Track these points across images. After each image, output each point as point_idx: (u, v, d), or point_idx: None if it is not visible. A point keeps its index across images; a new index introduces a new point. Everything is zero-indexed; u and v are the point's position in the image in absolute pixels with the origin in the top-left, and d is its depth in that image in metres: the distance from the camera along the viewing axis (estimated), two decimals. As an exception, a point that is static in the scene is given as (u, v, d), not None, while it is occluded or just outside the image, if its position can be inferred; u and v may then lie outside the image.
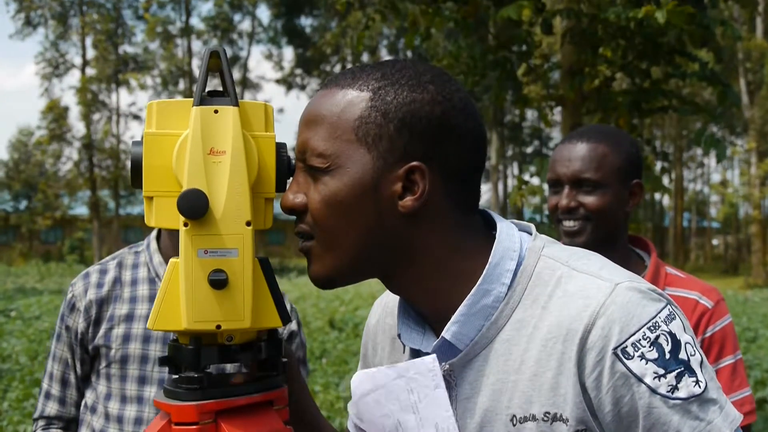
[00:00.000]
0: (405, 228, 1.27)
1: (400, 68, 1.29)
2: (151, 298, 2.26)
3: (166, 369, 2.11)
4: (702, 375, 1.19)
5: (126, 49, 39.88)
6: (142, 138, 1.25)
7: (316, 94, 1.33)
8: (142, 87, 39.71)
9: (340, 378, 9.62)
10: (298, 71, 43.60)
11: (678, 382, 1.17)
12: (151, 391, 2.20)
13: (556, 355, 1.21)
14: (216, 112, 1.23)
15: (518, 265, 1.29)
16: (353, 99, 1.27)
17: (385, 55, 41.48)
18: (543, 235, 1.37)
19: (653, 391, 1.17)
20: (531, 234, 1.35)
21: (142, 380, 2.21)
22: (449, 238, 1.29)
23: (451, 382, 1.29)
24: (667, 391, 1.17)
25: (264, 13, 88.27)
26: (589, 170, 2.35)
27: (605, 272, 1.25)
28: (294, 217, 1.31)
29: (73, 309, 2.31)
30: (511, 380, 1.25)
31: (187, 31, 39.94)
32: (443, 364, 1.29)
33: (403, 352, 1.40)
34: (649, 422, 1.17)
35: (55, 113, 38.43)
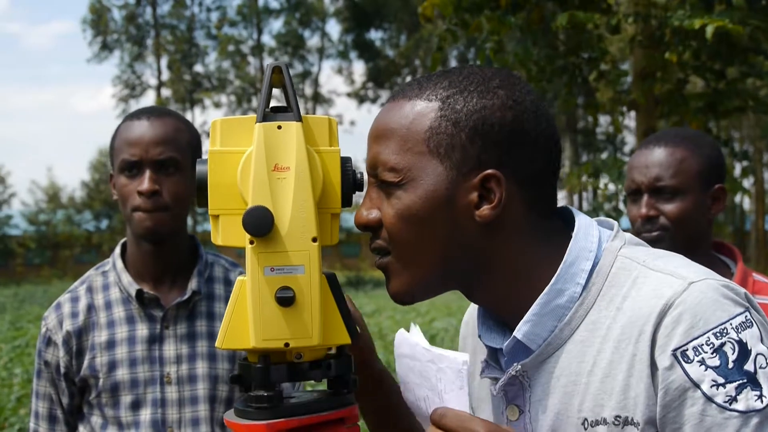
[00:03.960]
0: (482, 238, 1.25)
1: (468, 75, 1.27)
2: (129, 319, 2.18)
3: (158, 389, 2.12)
4: None
5: (199, 68, 40.64)
6: (206, 156, 1.24)
7: (384, 107, 1.32)
8: (217, 105, 40.40)
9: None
10: (369, 85, 43.80)
11: (738, 393, 1.12)
12: (147, 414, 2.13)
13: (628, 357, 1.18)
14: (279, 128, 1.21)
15: (594, 265, 1.26)
16: (422, 110, 1.25)
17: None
18: (626, 233, 1.33)
19: (709, 399, 1.12)
20: (612, 231, 1.32)
21: (136, 405, 2.13)
22: (527, 246, 1.27)
23: (525, 383, 1.28)
24: (724, 402, 1.12)
25: (334, 28, 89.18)
26: (667, 176, 2.28)
27: (682, 270, 1.21)
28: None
29: (50, 343, 2.21)
30: (582, 382, 1.22)
31: (258, 48, 40.50)
32: (515, 365, 1.27)
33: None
34: (699, 430, 1.12)
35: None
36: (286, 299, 1.18)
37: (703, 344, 1.13)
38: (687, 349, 1.13)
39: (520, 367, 1.27)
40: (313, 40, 44.48)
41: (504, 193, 1.23)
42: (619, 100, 6.32)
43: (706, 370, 1.12)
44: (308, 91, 42.21)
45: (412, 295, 1.29)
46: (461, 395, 1.19)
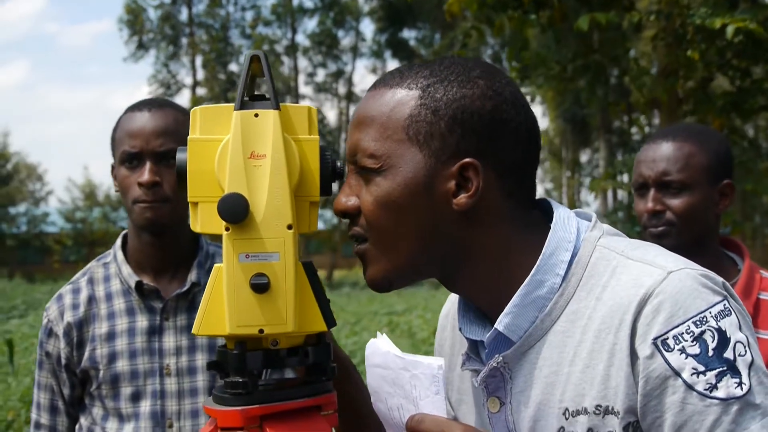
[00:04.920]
0: (460, 227, 1.25)
1: (449, 65, 1.28)
2: (129, 311, 2.19)
3: (157, 381, 2.12)
4: (748, 377, 1.13)
5: (234, 68, 40.84)
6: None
7: (366, 95, 1.33)
8: (251, 104, 40.44)
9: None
10: (403, 84, 43.65)
11: (718, 381, 1.12)
12: (146, 406, 2.13)
13: (608, 346, 1.18)
14: (256, 116, 1.22)
15: (573, 255, 1.27)
16: (402, 98, 1.26)
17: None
18: (604, 225, 1.33)
19: (689, 386, 1.12)
20: (591, 222, 1.32)
21: (136, 396, 2.13)
22: (505, 235, 1.27)
23: (506, 375, 1.28)
24: (705, 389, 1.12)
25: (368, 28, 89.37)
26: (675, 171, 2.26)
27: (660, 259, 1.21)
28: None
29: (51, 334, 2.21)
30: (564, 372, 1.23)
31: (292, 48, 40.67)
32: (497, 356, 1.27)
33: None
34: (680, 418, 1.12)
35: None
36: (260, 286, 1.19)
37: (683, 332, 1.13)
38: (667, 338, 1.13)
39: (501, 358, 1.27)
40: (346, 40, 44.60)
41: (481, 182, 1.23)
42: (642, 99, 6.27)
43: (686, 358, 1.12)
44: (342, 90, 42.34)
45: (390, 282, 1.29)
46: (437, 401, 1.19)
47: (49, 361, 2.21)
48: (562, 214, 1.31)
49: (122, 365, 2.14)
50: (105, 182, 60.47)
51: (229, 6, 40.52)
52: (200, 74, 40.23)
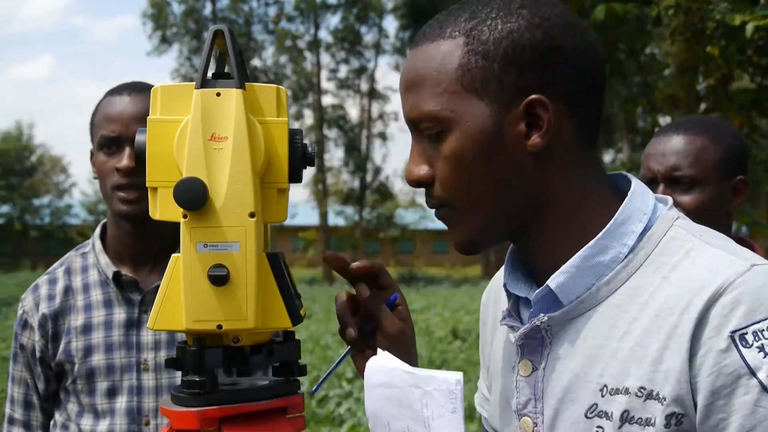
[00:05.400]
0: (536, 171, 1.18)
1: (487, 2, 1.20)
2: (107, 303, 2.08)
3: (134, 376, 2.02)
4: None
5: (257, 63, 40.82)
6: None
7: (408, 55, 1.25)
8: (273, 100, 40.44)
9: (458, 388, 9.46)
10: (425, 81, 43.48)
11: None
12: (122, 402, 2.03)
13: (667, 327, 1.09)
14: (218, 95, 1.14)
15: (646, 229, 1.19)
16: (448, 49, 1.18)
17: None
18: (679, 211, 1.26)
19: (765, 388, 1.03)
20: (667, 205, 1.25)
21: (112, 392, 2.03)
22: (578, 184, 1.20)
23: (546, 339, 1.20)
24: None
25: (391, 24, 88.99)
26: (685, 165, 2.15)
27: (743, 252, 1.14)
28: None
29: (26, 326, 2.10)
30: (611, 347, 1.14)
31: (315, 44, 40.58)
32: (542, 315, 1.19)
33: (502, 321, 1.30)
34: (750, 422, 1.03)
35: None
36: (219, 278, 1.11)
37: (764, 329, 1.05)
38: (746, 333, 1.05)
39: (546, 319, 1.19)
40: (369, 36, 44.48)
41: (552, 116, 1.15)
42: (660, 96, 6.15)
43: (765, 357, 1.04)
44: (364, 86, 42.20)
45: (476, 243, 1.23)
46: (454, 419, 1.10)
47: (24, 354, 2.11)
48: (640, 185, 1.24)
49: (98, 359, 2.04)
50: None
51: (252, 1, 40.61)
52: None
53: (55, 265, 2.19)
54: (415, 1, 40.39)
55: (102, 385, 2.03)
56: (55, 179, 53.71)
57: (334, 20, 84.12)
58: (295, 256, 54.61)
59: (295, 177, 1.19)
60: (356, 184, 41.52)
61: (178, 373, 2.02)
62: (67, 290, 2.12)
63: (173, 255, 1.16)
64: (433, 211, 1.25)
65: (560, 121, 1.17)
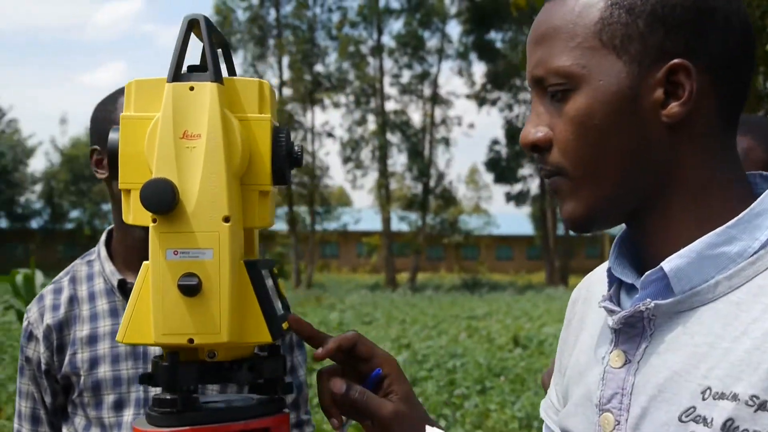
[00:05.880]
0: (668, 144, 1.06)
1: None
2: (113, 312, 1.99)
3: (142, 389, 1.90)
4: None
5: (320, 68, 41.00)
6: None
7: (544, 7, 1.13)
8: (336, 105, 40.64)
9: (516, 397, 9.32)
10: (489, 86, 43.27)
11: None
12: (130, 415, 1.93)
13: None
14: (192, 89, 1.05)
15: None
16: (589, 1, 1.06)
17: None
18: None
19: None
20: None
21: (119, 404, 1.93)
22: (712, 158, 1.07)
23: (647, 329, 1.07)
24: None
25: (454, 29, 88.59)
26: None
27: None
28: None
29: (31, 337, 2.02)
30: (722, 347, 1.00)
31: (378, 49, 40.57)
32: (648, 300, 1.06)
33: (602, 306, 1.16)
34: None
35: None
36: (189, 288, 1.02)
37: None
38: None
39: (653, 305, 1.05)
40: (432, 41, 44.16)
41: (695, 84, 1.03)
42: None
43: None
44: (427, 91, 42.06)
45: (591, 220, 1.10)
46: None
47: (30, 366, 2.04)
48: None
49: (104, 371, 1.96)
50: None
51: (315, 7, 40.70)
52: (286, 74, 40.54)
53: (61, 274, 2.12)
54: (478, 6, 40.17)
55: (109, 398, 1.95)
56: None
57: (396, 25, 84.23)
58: (359, 262, 54.70)
59: (280, 178, 1.10)
60: (419, 189, 41.40)
61: None
62: (72, 300, 2.04)
63: (144, 263, 1.07)
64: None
65: (703, 92, 1.04)
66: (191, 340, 1.03)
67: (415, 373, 10.79)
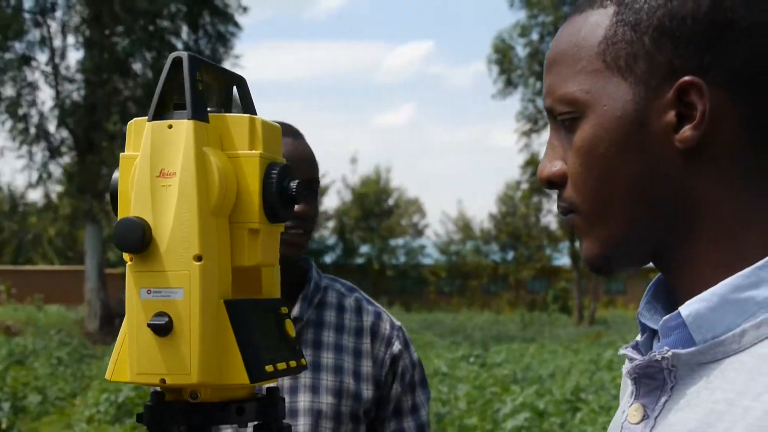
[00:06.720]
0: (684, 172, 0.94)
1: None
2: None
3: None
4: None
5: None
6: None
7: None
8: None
9: None
10: None
11: None
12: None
13: None
14: (170, 127, 1.05)
15: None
16: (595, 20, 0.97)
17: None
18: None
19: None
20: None
21: None
22: (738, 186, 0.94)
23: (668, 382, 0.95)
24: None
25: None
26: None
27: None
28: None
29: None
30: (742, 405, 0.88)
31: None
32: (665, 349, 0.94)
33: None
34: None
35: (534, 167, 39.78)
36: (159, 327, 1.01)
37: None
38: None
39: (671, 355, 0.93)
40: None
41: (707, 105, 0.91)
42: None
43: None
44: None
45: (608, 259, 1.00)
46: None
47: None
48: None
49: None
50: (477, 216, 62.56)
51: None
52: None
53: None
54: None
55: None
56: (410, 221, 56.42)
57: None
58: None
59: (273, 216, 1.06)
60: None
61: (301, 421, 1.97)
62: None
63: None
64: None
65: (720, 112, 0.92)
66: (163, 380, 1.02)
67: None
